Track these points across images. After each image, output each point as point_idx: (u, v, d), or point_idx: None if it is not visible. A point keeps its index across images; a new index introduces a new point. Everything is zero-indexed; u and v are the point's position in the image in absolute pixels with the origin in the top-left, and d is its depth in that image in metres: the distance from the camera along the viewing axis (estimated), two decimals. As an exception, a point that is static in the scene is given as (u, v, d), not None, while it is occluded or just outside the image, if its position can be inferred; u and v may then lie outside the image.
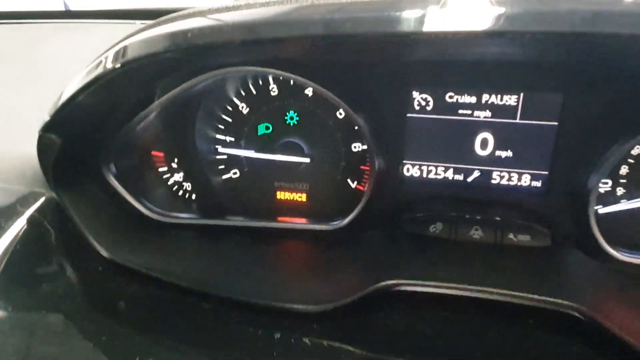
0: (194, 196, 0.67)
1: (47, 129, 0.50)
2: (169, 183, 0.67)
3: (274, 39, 0.43)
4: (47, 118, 0.50)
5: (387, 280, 0.48)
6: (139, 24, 1.31)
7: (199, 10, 0.44)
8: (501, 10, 0.38)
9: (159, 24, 0.45)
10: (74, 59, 1.00)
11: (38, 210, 0.57)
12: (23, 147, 0.62)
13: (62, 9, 1.57)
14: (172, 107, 0.58)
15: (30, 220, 0.56)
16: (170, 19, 0.46)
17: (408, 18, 0.39)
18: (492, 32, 0.39)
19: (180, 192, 0.68)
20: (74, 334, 0.48)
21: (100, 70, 0.46)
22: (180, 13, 0.46)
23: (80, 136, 0.54)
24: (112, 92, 0.50)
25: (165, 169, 0.66)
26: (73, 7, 1.57)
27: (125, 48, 0.45)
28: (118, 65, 0.45)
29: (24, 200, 0.57)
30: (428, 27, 0.39)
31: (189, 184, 0.67)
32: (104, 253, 0.55)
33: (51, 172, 0.55)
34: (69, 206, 0.56)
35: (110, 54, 0.46)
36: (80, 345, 0.46)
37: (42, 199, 0.58)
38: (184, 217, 0.66)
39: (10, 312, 0.49)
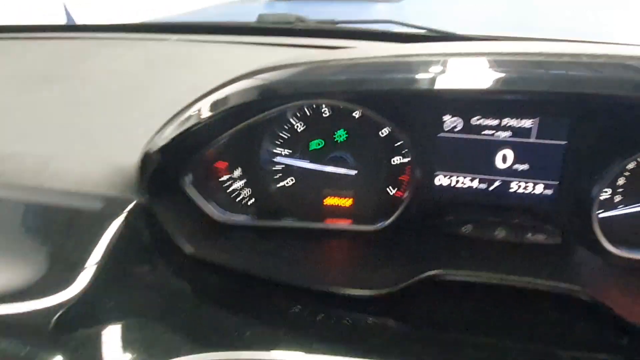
0: (251, 201, 0.78)
1: (161, 149, 0.61)
2: (229, 190, 0.78)
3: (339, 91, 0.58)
4: (163, 141, 0.61)
5: (432, 270, 0.60)
6: (174, 39, 1.42)
7: (291, 63, 0.57)
8: (506, 74, 0.55)
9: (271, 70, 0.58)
10: (126, 74, 1.11)
11: (130, 212, 0.68)
12: (110, 158, 0.73)
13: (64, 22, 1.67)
14: (244, 130, 0.69)
15: (125, 222, 0.66)
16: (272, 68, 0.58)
17: (424, 79, 0.57)
18: (502, 91, 0.55)
19: (239, 198, 0.79)
20: (177, 313, 0.59)
21: (229, 104, 0.59)
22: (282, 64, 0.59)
23: (174, 153, 0.65)
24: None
25: (226, 177, 0.77)
26: (77, 21, 1.68)
27: (251, 88, 0.58)
28: (251, 100, 0.57)
29: (119, 205, 0.68)
30: (444, 85, 0.57)
31: (249, 189, 0.78)
32: (187, 250, 0.67)
33: (147, 183, 0.66)
34: (158, 211, 0.68)
35: (235, 90, 0.58)
36: (185, 322, 0.57)
37: (132, 204, 0.69)
38: (242, 219, 0.77)
39: (118, 298, 0.60)
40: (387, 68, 0.58)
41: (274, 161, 0.76)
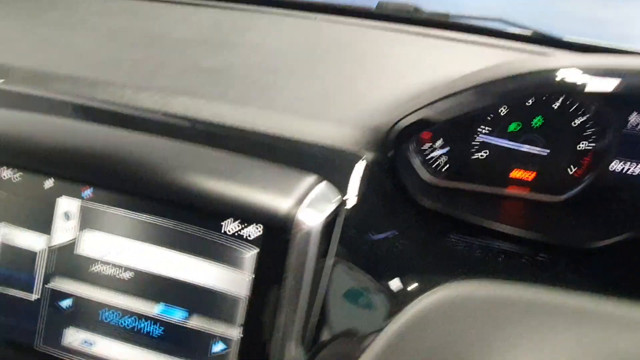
0: (445, 167, 0.96)
1: (413, 124, 0.80)
2: (428, 157, 0.95)
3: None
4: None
5: (626, 233, 0.78)
6: (318, 18, 1.55)
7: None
8: None
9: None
10: (292, 47, 1.24)
11: (372, 165, 0.85)
12: (360, 120, 0.90)
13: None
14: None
15: (371, 172, 0.84)
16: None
17: None
18: None
19: (435, 164, 0.96)
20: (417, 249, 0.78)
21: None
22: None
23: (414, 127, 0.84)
24: None
25: (428, 145, 0.94)
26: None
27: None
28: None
29: (360, 158, 0.85)
30: None
31: (445, 157, 0.95)
32: (424, 203, 0.85)
33: (394, 145, 0.84)
34: (398, 166, 0.85)
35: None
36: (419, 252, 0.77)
37: (371, 159, 0.86)
38: (439, 180, 0.95)
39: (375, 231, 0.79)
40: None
41: (474, 136, 0.93)
